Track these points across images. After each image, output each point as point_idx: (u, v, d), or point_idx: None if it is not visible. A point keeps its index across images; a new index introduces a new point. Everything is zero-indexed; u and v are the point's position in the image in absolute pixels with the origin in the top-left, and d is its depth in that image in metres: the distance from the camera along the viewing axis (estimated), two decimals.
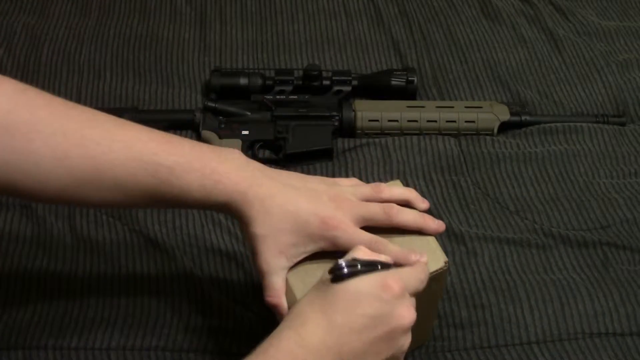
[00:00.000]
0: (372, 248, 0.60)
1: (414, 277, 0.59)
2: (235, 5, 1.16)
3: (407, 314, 0.56)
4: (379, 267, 0.57)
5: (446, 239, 0.84)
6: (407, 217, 0.64)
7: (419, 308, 0.59)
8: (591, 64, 1.08)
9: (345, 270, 0.55)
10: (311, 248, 0.62)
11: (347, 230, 0.61)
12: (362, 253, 0.58)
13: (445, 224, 0.84)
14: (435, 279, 0.63)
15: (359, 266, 0.56)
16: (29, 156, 0.57)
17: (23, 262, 0.80)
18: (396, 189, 0.67)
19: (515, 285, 0.80)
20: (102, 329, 0.75)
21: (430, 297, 0.67)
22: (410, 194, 0.66)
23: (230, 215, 0.63)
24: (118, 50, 1.07)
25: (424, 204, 0.67)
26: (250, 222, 0.61)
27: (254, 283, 0.79)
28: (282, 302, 0.62)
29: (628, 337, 0.76)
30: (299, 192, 0.63)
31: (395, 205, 0.64)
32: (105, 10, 1.14)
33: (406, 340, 0.57)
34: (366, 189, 0.66)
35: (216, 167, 0.61)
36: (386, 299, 0.55)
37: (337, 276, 0.55)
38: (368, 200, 0.65)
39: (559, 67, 1.08)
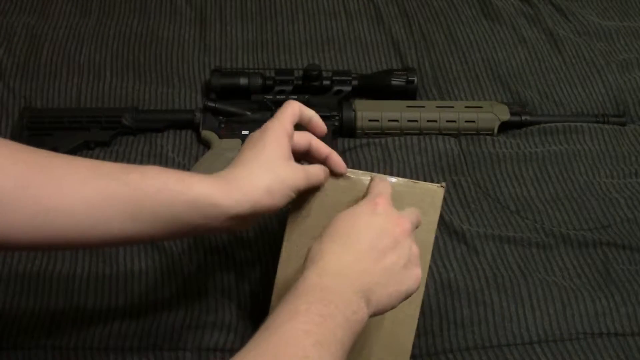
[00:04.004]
0: None
1: (388, 185, 0.65)
2: (235, 5, 1.16)
3: (402, 219, 0.61)
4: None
5: (447, 237, 0.84)
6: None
7: None
8: (591, 64, 1.08)
9: None
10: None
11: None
12: None
13: (447, 222, 0.85)
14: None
15: None
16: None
17: (23, 262, 0.80)
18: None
19: (518, 283, 0.80)
20: (101, 328, 0.75)
21: None
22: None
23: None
24: (118, 50, 1.07)
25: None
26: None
27: (252, 283, 0.80)
28: None
29: (629, 337, 0.76)
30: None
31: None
32: (105, 10, 1.14)
33: (412, 245, 0.60)
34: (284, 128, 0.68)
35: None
36: (380, 212, 0.60)
37: None
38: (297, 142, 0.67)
39: (559, 67, 1.08)
